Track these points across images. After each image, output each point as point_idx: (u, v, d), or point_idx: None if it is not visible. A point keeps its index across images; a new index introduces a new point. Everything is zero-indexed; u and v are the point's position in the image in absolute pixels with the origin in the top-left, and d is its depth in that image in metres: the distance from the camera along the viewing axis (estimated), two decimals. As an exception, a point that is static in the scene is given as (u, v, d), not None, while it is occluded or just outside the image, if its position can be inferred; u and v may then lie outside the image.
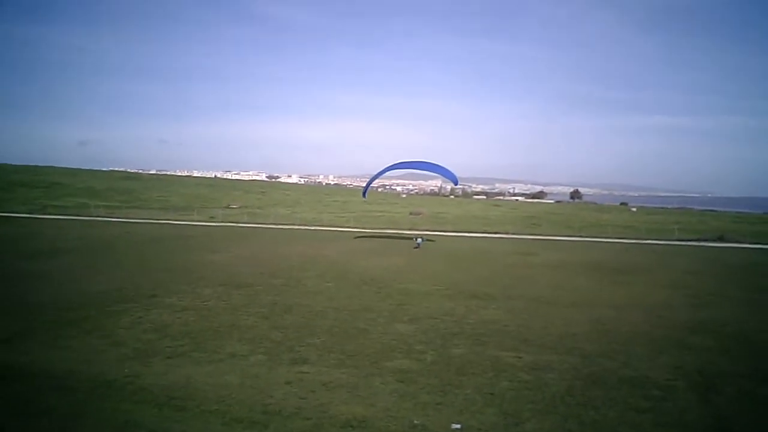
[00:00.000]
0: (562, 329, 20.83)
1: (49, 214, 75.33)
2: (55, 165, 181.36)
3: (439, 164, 46.84)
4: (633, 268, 36.28)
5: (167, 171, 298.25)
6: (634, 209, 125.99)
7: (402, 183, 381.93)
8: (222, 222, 70.78)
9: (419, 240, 47.73)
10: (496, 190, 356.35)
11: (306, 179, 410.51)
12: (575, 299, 26.10)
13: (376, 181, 56.49)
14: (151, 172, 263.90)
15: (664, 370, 16.52)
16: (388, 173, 49.51)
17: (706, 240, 55.14)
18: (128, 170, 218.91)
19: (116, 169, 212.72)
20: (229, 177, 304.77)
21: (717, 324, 21.84)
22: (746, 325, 21.77)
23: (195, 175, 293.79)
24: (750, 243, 52.27)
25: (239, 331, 20.11)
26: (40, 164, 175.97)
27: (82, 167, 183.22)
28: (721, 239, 55.17)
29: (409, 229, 56.92)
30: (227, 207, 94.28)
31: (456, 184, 50.60)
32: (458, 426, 12.46)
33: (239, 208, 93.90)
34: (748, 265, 38.43)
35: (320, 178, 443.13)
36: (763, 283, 30.73)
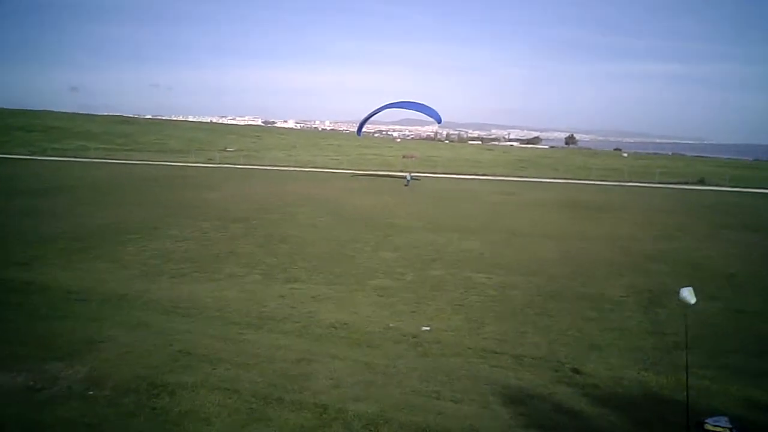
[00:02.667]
0: (533, 256, 22.83)
1: (50, 155, 76.61)
2: (51, 110, 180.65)
3: (425, 104, 49.15)
4: (608, 206, 38.20)
5: (161, 116, 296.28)
6: (626, 155, 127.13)
7: (398, 128, 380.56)
8: (219, 164, 72.27)
9: (408, 177, 50.02)
10: (492, 136, 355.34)
11: (302, 124, 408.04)
12: (548, 232, 28.04)
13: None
14: (146, 117, 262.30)
15: (619, 289, 18.53)
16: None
17: (686, 183, 56.99)
18: (123, 115, 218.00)
19: (110, 114, 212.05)
20: (225, 122, 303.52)
21: (675, 253, 23.82)
22: (701, 254, 23.78)
23: (190, 119, 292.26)
24: (728, 186, 54.07)
25: (237, 257, 22.02)
26: (34, 109, 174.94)
27: (77, 112, 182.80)
28: (701, 182, 57.01)
29: (400, 171, 58.65)
30: (224, 150, 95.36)
31: (439, 123, 52.47)
32: (427, 328, 14.41)
33: (235, 151, 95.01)
34: (719, 205, 40.30)
35: (316, 124, 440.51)
36: (728, 220, 32.65)
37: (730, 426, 8.70)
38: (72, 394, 9.94)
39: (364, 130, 63.59)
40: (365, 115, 53.98)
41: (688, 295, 9.60)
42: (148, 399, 9.74)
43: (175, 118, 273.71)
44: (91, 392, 10.01)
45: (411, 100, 51.47)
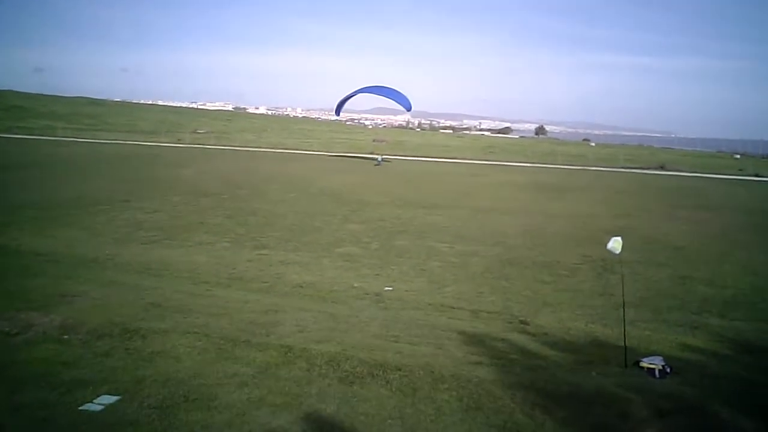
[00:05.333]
0: (495, 229, 23.66)
1: (15, 134, 75.60)
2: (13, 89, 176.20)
3: (397, 90, 49.88)
4: (571, 187, 39.33)
5: (131, 100, 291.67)
6: (594, 144, 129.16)
7: (371, 117, 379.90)
8: (189, 144, 72.14)
9: (379, 158, 50.76)
10: (464, 126, 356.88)
11: (274, 111, 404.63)
12: (512, 209, 28.96)
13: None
14: (116, 100, 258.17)
15: (575, 257, 19.37)
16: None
17: (648, 168, 58.55)
18: (92, 97, 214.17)
19: (78, 95, 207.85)
20: (195, 107, 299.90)
21: (631, 229, 24.69)
22: (655, 230, 24.78)
23: (160, 104, 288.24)
24: (688, 172, 55.64)
25: (206, 227, 22.51)
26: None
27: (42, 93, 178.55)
28: (662, 168, 58.63)
29: (371, 153, 59.27)
30: (194, 131, 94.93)
31: (408, 110, 53.32)
32: (390, 288, 15.10)
33: (206, 132, 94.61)
34: (677, 188, 41.59)
35: (288, 111, 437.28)
36: (683, 201, 33.82)
37: (663, 363, 9.54)
38: (47, 338, 10.36)
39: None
40: (340, 99, 54.75)
41: (614, 245, 10.42)
42: (121, 341, 10.21)
43: (144, 102, 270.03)
44: (66, 336, 10.46)
45: (384, 86, 52.39)
